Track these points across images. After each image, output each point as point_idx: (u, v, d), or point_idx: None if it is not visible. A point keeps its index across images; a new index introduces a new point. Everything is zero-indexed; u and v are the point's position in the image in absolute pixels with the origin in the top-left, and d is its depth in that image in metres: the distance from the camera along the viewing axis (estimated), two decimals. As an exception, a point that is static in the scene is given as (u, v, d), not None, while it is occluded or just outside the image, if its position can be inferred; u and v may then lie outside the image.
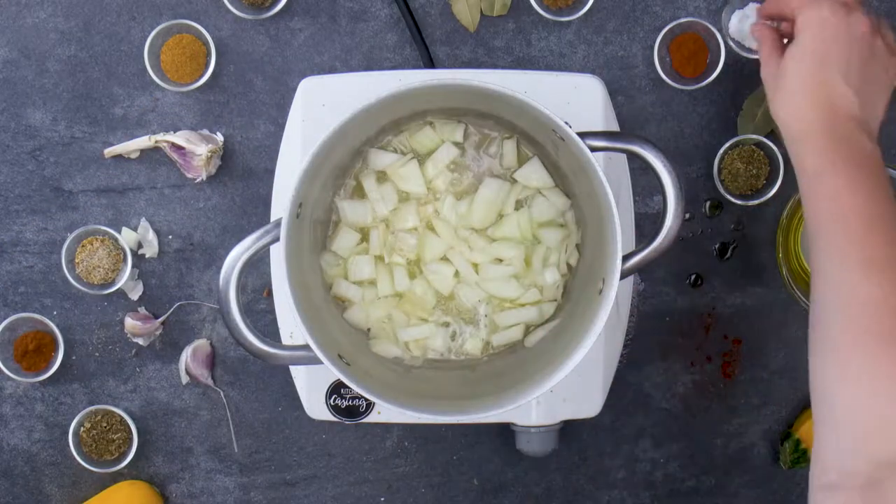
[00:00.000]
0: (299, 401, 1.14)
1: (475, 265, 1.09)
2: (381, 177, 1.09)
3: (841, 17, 0.96)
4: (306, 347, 0.98)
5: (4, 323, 1.18)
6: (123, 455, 1.20)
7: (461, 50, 1.19)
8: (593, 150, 0.98)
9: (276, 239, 0.99)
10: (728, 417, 1.22)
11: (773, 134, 1.19)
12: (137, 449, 1.20)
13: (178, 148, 1.17)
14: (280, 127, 1.18)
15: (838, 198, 0.91)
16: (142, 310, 1.20)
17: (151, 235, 1.20)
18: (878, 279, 0.87)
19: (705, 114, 1.20)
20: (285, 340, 1.13)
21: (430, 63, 1.18)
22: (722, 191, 1.18)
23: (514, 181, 1.09)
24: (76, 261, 1.18)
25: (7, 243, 1.20)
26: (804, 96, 0.95)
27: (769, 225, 1.21)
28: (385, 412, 1.13)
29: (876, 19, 0.98)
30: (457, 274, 1.09)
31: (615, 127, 1.12)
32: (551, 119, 0.97)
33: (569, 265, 1.10)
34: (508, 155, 1.10)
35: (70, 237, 1.17)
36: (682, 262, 1.21)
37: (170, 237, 1.20)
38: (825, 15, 0.96)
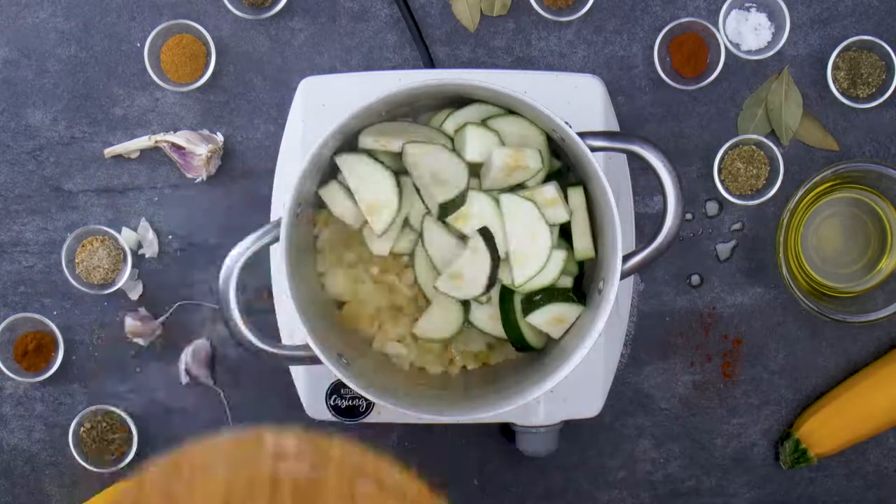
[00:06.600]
0: (299, 401, 1.14)
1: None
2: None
3: None
4: (306, 347, 0.98)
5: (4, 323, 1.18)
6: (123, 455, 1.20)
7: (461, 50, 1.19)
8: (593, 150, 0.98)
9: (276, 239, 0.99)
10: (728, 417, 1.22)
11: (773, 134, 1.19)
12: (137, 449, 1.20)
13: (178, 148, 1.17)
14: (280, 127, 1.18)
15: None
16: (142, 310, 1.20)
17: (151, 235, 1.20)
18: None
19: (705, 114, 1.20)
20: (285, 340, 1.13)
21: (430, 63, 1.18)
22: (722, 191, 1.18)
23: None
24: (76, 261, 1.18)
25: (7, 243, 1.20)
26: None
27: (769, 225, 1.21)
28: (385, 412, 1.13)
29: None
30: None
31: (615, 127, 1.12)
32: (551, 119, 0.97)
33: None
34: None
35: (70, 237, 1.17)
36: (682, 262, 1.21)
37: (170, 237, 1.20)
38: None
